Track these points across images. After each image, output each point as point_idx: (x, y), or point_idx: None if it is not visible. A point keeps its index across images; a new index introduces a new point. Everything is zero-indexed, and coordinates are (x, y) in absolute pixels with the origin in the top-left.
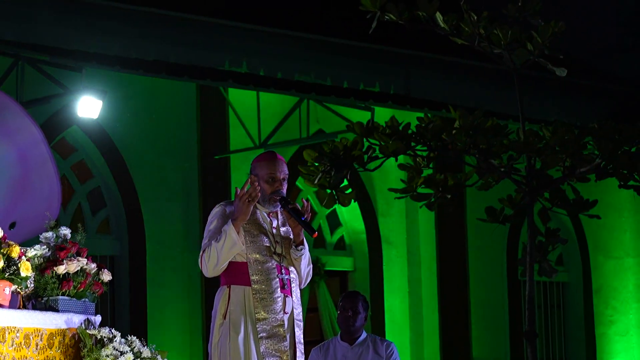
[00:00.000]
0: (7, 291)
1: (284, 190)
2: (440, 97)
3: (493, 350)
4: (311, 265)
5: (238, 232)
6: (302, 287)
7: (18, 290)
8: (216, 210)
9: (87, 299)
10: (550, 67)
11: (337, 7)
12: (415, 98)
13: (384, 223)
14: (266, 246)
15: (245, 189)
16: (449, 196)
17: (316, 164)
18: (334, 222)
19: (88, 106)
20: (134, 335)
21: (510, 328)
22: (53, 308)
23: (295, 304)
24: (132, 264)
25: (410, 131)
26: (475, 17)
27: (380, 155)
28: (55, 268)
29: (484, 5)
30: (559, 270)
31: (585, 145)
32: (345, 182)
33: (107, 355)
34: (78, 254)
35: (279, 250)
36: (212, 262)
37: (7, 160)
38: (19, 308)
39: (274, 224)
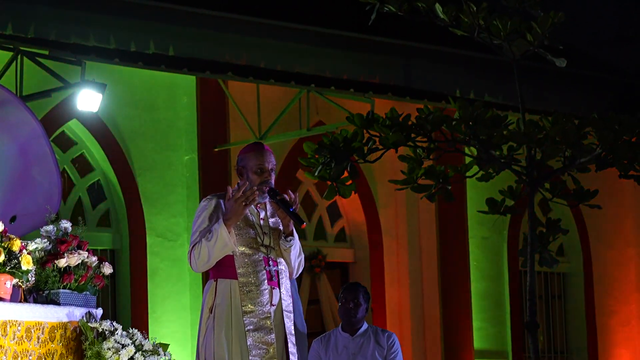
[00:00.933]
0: (9, 285)
1: (272, 181)
2: (440, 88)
3: (494, 341)
4: (302, 256)
5: (230, 233)
6: (294, 277)
7: (19, 283)
8: (203, 204)
9: (88, 292)
10: (550, 58)
11: None
12: (415, 89)
13: (385, 214)
14: (253, 238)
15: (242, 191)
16: (450, 187)
17: (316, 156)
18: (335, 213)
19: (88, 99)
20: (135, 329)
21: (512, 319)
22: (54, 301)
23: (284, 295)
24: (133, 257)
25: (410, 122)
26: (475, 8)
27: (380, 147)
28: (56, 261)
29: None
30: (559, 260)
31: (586, 135)
32: (346, 174)
33: (109, 348)
34: (79, 247)
35: (266, 241)
36: (203, 260)
37: (7, 154)
38: (20, 302)
39: (262, 215)
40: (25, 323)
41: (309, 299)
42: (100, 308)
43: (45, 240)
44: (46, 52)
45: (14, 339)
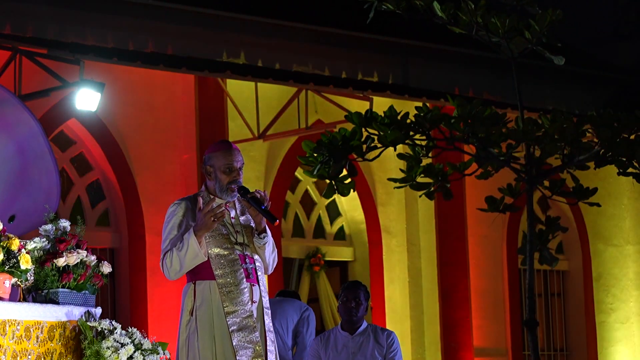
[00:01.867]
0: (7, 284)
1: (241, 180)
2: (438, 86)
3: (493, 339)
4: (276, 251)
5: (200, 243)
6: (269, 273)
7: (18, 283)
8: (171, 209)
9: (87, 291)
10: (548, 56)
11: None
12: (413, 87)
13: (384, 213)
14: (226, 238)
15: (210, 208)
16: (448, 185)
17: (315, 155)
18: (334, 212)
19: (86, 99)
20: (134, 327)
21: (511, 316)
22: (53, 300)
23: (263, 292)
24: (132, 256)
25: (408, 120)
26: (473, 6)
27: (378, 145)
28: (55, 260)
29: None
30: (559, 258)
31: (584, 133)
32: (345, 172)
33: (108, 347)
34: (78, 246)
35: (240, 239)
36: (175, 269)
37: (5, 153)
38: (19, 301)
39: (232, 214)
40: (24, 322)
41: (308, 297)
42: (99, 307)
43: (44, 239)
44: (45, 52)
45: (13, 338)
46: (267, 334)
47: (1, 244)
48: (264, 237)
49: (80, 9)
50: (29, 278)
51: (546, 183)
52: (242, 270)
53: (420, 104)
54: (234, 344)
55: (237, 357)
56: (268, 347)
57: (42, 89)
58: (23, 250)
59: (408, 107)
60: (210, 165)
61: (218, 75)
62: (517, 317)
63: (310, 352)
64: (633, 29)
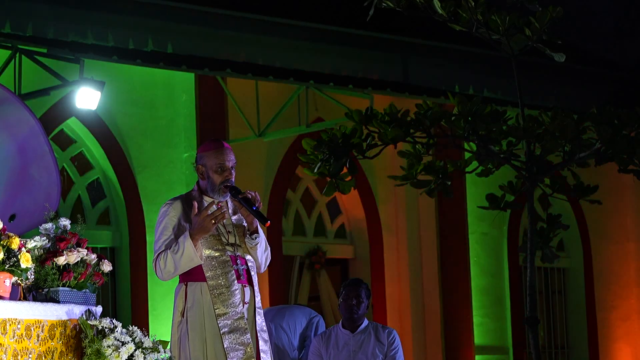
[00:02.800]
0: (8, 283)
1: (233, 179)
2: (438, 83)
3: (495, 337)
4: (269, 250)
5: (196, 246)
6: (261, 271)
7: (18, 281)
8: (163, 209)
9: (87, 290)
10: (549, 53)
11: None
12: (413, 85)
13: (384, 210)
14: (218, 239)
15: (210, 211)
16: (449, 183)
17: (315, 153)
18: (335, 210)
19: (86, 97)
20: (135, 326)
21: (512, 314)
22: (54, 299)
23: (255, 292)
24: (133, 255)
25: (409, 118)
26: (473, 3)
27: (379, 143)
28: (55, 259)
29: None
30: (560, 255)
31: (585, 130)
32: (345, 170)
33: (109, 346)
34: (78, 245)
35: (232, 240)
36: (169, 271)
37: (5, 152)
38: (19, 300)
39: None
40: (24, 321)
41: (309, 295)
42: (100, 306)
43: (45, 238)
44: (44, 50)
45: (13, 337)
46: (259, 334)
47: (1, 242)
48: (256, 238)
49: (80, 7)
50: (29, 277)
51: (547, 180)
52: (233, 271)
53: (420, 102)
54: (225, 346)
55: (229, 359)
56: (261, 348)
57: (42, 88)
58: (23, 249)
59: (408, 105)
60: (202, 164)
61: (218, 73)
62: (519, 314)
63: (311, 350)
64: (633, 26)
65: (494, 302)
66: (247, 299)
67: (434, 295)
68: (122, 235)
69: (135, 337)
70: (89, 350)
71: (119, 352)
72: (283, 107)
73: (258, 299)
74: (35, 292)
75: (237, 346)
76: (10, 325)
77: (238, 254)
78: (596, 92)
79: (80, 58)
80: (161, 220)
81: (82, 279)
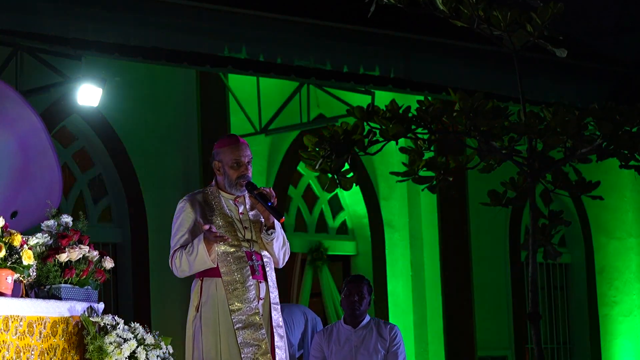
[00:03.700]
0: (10, 280)
1: (250, 174)
2: (440, 80)
3: (497, 333)
4: (287, 245)
5: (210, 250)
6: (280, 267)
7: (20, 278)
8: (179, 205)
9: (89, 287)
10: (550, 49)
11: None
12: (415, 81)
13: (386, 206)
14: (234, 235)
15: (215, 234)
16: (451, 179)
17: (317, 149)
18: (336, 206)
19: (88, 94)
20: (137, 323)
21: (514, 310)
22: (56, 296)
23: (270, 287)
24: (135, 252)
25: (410, 114)
26: (474, 0)
27: (380, 139)
28: (57, 256)
29: None
30: (562, 253)
31: (586, 126)
32: (347, 166)
33: (111, 343)
34: (80, 242)
35: (248, 236)
36: (183, 270)
37: (7, 149)
38: (21, 297)
39: (241, 209)
40: (27, 318)
41: (311, 291)
42: (102, 302)
43: (46, 235)
44: (46, 47)
45: (16, 334)
46: (275, 330)
47: (3, 239)
48: (272, 233)
49: (81, 4)
50: (31, 274)
51: (549, 176)
52: (248, 267)
53: (422, 98)
54: (239, 341)
55: (242, 355)
56: (276, 343)
57: (43, 85)
58: (25, 246)
59: (410, 101)
60: (218, 160)
61: (219, 70)
62: (520, 310)
63: (313, 346)
64: (635, 22)
65: (495, 298)
66: (262, 295)
67: (436, 291)
68: (124, 232)
69: (138, 334)
70: (91, 347)
71: (121, 348)
72: (284, 103)
73: (274, 294)
74: (37, 289)
75: (251, 342)
76: (12, 322)
77: (254, 249)
78: (597, 88)
79: (81, 55)
80: (177, 216)
81: (84, 276)
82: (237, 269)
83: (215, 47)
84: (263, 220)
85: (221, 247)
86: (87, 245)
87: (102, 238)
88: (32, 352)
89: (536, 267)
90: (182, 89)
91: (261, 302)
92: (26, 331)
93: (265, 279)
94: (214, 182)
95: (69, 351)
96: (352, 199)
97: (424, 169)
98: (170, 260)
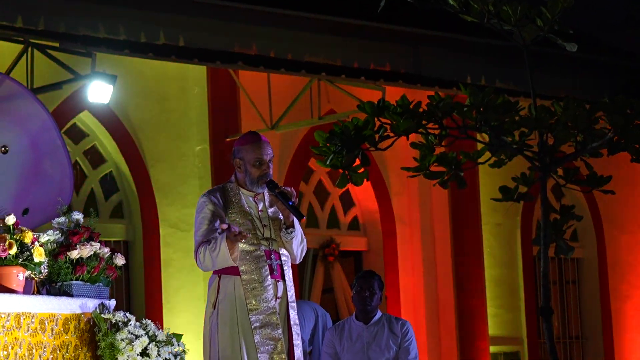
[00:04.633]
0: (21, 277)
1: (271, 172)
2: (450, 75)
3: (509, 328)
4: (305, 242)
5: (232, 249)
6: (297, 263)
7: (32, 275)
8: (201, 200)
9: (101, 284)
10: (561, 43)
11: None
12: (425, 76)
13: (398, 202)
14: (253, 233)
15: (235, 233)
16: (462, 174)
17: (327, 145)
18: (348, 202)
19: (99, 91)
20: (149, 319)
21: (526, 305)
22: (67, 293)
23: (288, 286)
24: (146, 249)
25: (421, 110)
26: None
27: (391, 135)
28: (68, 253)
29: None
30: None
31: (597, 120)
32: (358, 162)
33: (122, 339)
34: (91, 239)
35: (267, 234)
36: (207, 265)
37: (18, 147)
38: (33, 294)
39: (260, 206)
40: (38, 315)
41: (323, 287)
42: (114, 299)
43: (57, 232)
44: (56, 45)
45: (27, 331)
46: (292, 328)
47: (15, 237)
48: (291, 232)
49: (91, 1)
50: (42, 271)
51: (560, 171)
52: (266, 266)
53: (432, 93)
54: (255, 340)
55: (259, 354)
56: (294, 342)
57: (54, 82)
58: (36, 243)
59: (420, 97)
60: (239, 158)
61: (230, 66)
62: (533, 305)
63: (325, 342)
64: None
65: (507, 292)
66: (279, 294)
67: (448, 286)
68: (135, 229)
69: (149, 331)
70: (102, 344)
71: (133, 345)
72: (295, 99)
73: (291, 293)
74: (49, 286)
75: (267, 341)
76: (24, 319)
77: (272, 248)
78: (608, 82)
79: (92, 52)
80: (199, 211)
81: (96, 273)
82: (256, 268)
83: (225, 43)
84: (282, 218)
85: (241, 245)
86: (98, 242)
87: (113, 235)
88: (44, 349)
89: (547, 262)
90: (192, 86)
91: (278, 301)
92: (38, 328)
93: (283, 278)
94: (233, 179)
95: (81, 348)
96: (364, 195)
97: (435, 164)
98: (195, 255)
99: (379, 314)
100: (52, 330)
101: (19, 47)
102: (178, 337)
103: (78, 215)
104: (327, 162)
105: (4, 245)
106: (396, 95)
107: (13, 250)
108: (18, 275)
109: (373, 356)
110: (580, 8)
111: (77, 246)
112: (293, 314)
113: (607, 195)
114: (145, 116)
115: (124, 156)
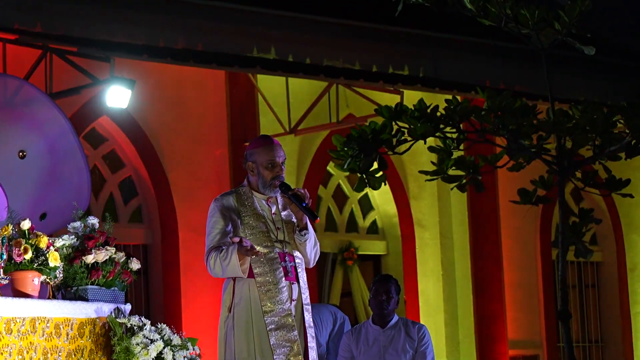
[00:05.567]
0: (36, 282)
1: (283, 175)
2: (468, 78)
3: (528, 331)
4: (318, 245)
5: (242, 261)
6: (310, 266)
7: (47, 280)
8: (212, 205)
9: (116, 288)
10: (579, 46)
11: None
12: (444, 80)
13: (416, 206)
14: (266, 236)
15: (247, 247)
16: (480, 177)
17: (345, 149)
18: (366, 206)
19: (117, 96)
20: (168, 324)
21: (545, 308)
22: (82, 297)
23: (302, 288)
24: (165, 253)
25: (438, 113)
26: None
27: (409, 138)
28: (83, 257)
29: None
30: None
31: (615, 123)
32: (376, 166)
33: (138, 344)
34: (106, 243)
35: (280, 236)
36: (217, 272)
37: (36, 151)
38: (48, 298)
39: (273, 209)
40: (54, 319)
41: (342, 291)
42: (129, 304)
43: (73, 236)
44: (75, 49)
45: (43, 335)
46: (307, 330)
47: (30, 241)
48: (305, 234)
49: (110, 6)
50: (58, 275)
51: (578, 174)
52: (281, 268)
53: (450, 97)
54: (271, 342)
55: (275, 356)
56: (309, 344)
57: (72, 87)
58: (51, 247)
59: (439, 100)
60: (252, 161)
61: (248, 70)
62: (551, 308)
63: (341, 346)
64: None
65: (526, 296)
66: (294, 296)
67: (467, 290)
68: (154, 233)
69: (164, 335)
70: (118, 348)
71: (148, 349)
72: (314, 103)
73: (306, 295)
74: (64, 290)
75: (283, 343)
76: (39, 323)
77: (286, 250)
78: (626, 85)
79: (110, 56)
80: (212, 215)
81: (111, 277)
82: (270, 270)
83: (244, 47)
84: (295, 220)
85: (255, 248)
86: (114, 247)
87: (132, 239)
88: (60, 354)
89: (565, 266)
90: (211, 90)
91: (294, 303)
92: (53, 332)
93: (297, 281)
94: (246, 182)
95: (96, 352)
96: (382, 199)
97: (453, 167)
98: (206, 260)
99: (395, 317)
100: (67, 334)
101: (38, 52)
102: (193, 341)
103: (93, 220)
104: (345, 166)
105: (20, 250)
106: (415, 99)
107: (28, 255)
108: (33, 280)
109: None
110: (598, 12)
111: (93, 251)
112: (308, 317)
113: (626, 198)
114: (164, 120)
115: (143, 160)
